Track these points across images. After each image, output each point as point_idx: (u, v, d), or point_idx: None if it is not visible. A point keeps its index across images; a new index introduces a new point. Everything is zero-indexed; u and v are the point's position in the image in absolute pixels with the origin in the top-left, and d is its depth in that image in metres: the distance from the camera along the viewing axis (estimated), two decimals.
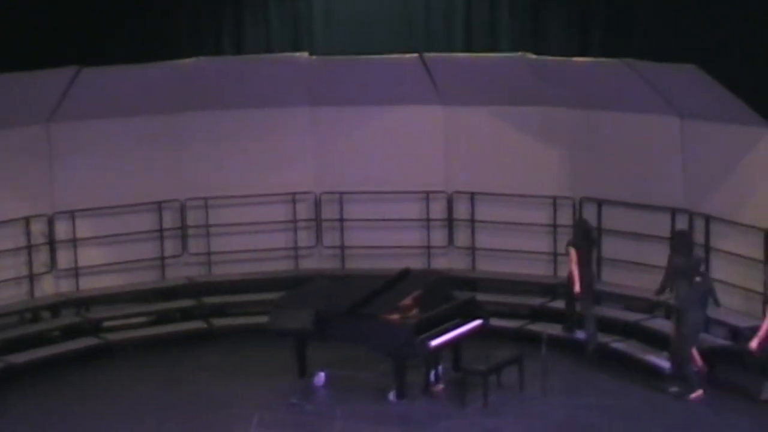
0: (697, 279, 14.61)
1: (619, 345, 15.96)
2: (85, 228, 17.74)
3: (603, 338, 16.10)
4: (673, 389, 14.72)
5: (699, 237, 16.26)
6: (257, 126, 18.55)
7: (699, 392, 14.60)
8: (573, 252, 16.22)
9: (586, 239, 16.37)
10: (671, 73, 15.72)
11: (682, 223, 16.38)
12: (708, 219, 16.10)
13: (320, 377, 15.28)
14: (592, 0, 18.75)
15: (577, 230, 16.53)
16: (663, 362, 15.12)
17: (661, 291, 15.23)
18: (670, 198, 16.53)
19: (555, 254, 17.75)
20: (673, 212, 16.49)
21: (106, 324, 17.51)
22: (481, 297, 16.88)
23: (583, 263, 16.12)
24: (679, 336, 14.64)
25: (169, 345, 17.06)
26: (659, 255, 16.03)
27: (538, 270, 17.85)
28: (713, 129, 15.93)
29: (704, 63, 15.02)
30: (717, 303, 14.88)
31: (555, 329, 16.36)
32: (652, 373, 15.12)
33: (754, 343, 14.08)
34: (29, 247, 17.36)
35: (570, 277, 16.17)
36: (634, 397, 14.73)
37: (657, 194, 16.62)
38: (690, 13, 17.26)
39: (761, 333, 14.06)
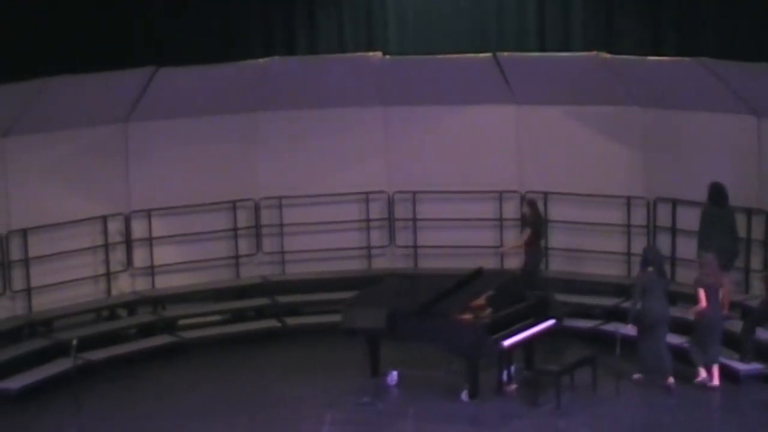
0: (649, 269, 14.89)
1: (690, 345, 15.79)
2: (161, 227, 17.93)
3: (676, 339, 15.97)
4: (636, 376, 14.94)
5: None
6: (331, 125, 18.62)
7: (671, 380, 14.73)
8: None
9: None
10: (747, 72, 15.58)
11: (758, 224, 16.23)
12: None
13: (392, 376, 15.31)
14: None
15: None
16: (737, 364, 14.96)
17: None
18: (746, 198, 16.36)
19: (629, 254, 17.64)
20: (749, 212, 16.33)
21: (182, 322, 17.69)
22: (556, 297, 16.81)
23: None
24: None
25: (243, 343, 17.18)
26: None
27: (612, 270, 17.75)
28: None
29: None
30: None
31: (628, 330, 16.22)
32: (725, 374, 14.95)
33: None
34: (106, 246, 17.59)
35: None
36: (706, 397, 14.58)
37: (733, 194, 16.43)
38: (764, 12, 17.09)
39: (695, 311, 14.72)
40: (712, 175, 16.63)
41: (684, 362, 15.01)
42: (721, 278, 15.02)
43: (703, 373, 14.74)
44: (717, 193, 16.09)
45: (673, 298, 16.39)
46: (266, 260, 18.75)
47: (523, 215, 17.48)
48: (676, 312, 15.54)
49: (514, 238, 18.27)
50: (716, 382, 14.73)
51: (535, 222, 17.20)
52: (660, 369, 14.81)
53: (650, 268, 14.96)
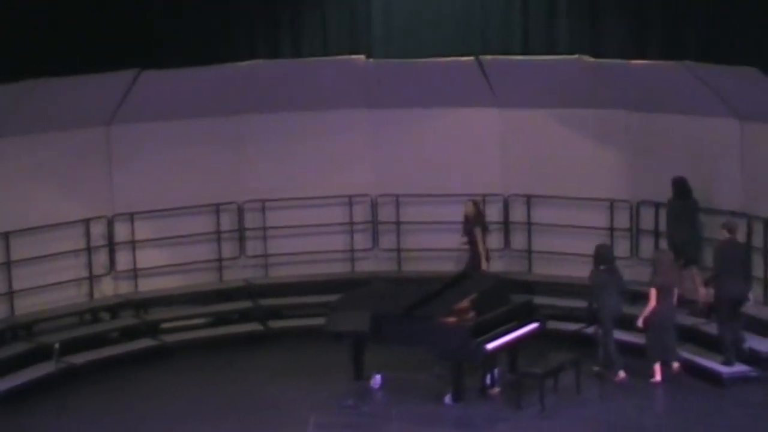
0: (601, 267, 15.18)
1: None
2: (144, 230, 17.89)
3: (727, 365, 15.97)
4: (596, 368, 15.16)
5: (758, 240, 16.12)
6: (314, 128, 18.61)
7: (622, 375, 14.98)
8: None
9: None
10: (730, 75, 15.63)
11: (740, 227, 16.25)
12: (767, 222, 15.96)
13: (376, 379, 15.29)
14: (649, 2, 18.66)
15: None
16: (720, 367, 15.00)
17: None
18: (729, 201, 16.40)
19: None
20: (732, 215, 16.35)
21: (165, 325, 17.65)
22: (537, 300, 16.81)
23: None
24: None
25: (227, 347, 17.15)
26: None
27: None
28: None
29: (764, 65, 14.90)
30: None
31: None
32: (709, 377, 15.00)
33: (639, 321, 14.93)
34: (89, 249, 17.55)
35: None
36: (691, 400, 14.62)
37: (716, 197, 16.49)
38: (748, 15, 17.13)
39: (646, 312, 14.84)
40: (696, 178, 16.68)
41: (640, 358, 15.25)
42: (674, 276, 15.22)
43: (657, 375, 15.02)
44: (681, 186, 16.43)
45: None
46: (250, 263, 18.73)
47: (466, 216, 17.49)
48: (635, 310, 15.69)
49: (497, 240, 18.33)
50: (658, 377, 14.97)
51: (481, 222, 17.40)
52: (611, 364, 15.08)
53: (602, 267, 15.18)
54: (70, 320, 17.36)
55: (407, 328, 14.68)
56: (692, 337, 15.97)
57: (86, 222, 17.49)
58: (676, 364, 15.15)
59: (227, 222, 18.56)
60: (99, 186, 17.65)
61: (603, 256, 15.32)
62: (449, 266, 17.99)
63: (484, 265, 17.40)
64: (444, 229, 18.48)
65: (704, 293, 15.79)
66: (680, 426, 13.95)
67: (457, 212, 18.44)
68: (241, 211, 18.58)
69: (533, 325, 15.36)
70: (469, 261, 17.55)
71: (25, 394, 15.08)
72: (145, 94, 17.25)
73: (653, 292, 14.92)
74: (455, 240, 18.36)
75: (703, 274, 16.06)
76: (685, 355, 15.34)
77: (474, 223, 17.46)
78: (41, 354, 15.80)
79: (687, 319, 16.34)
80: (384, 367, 15.37)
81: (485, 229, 17.64)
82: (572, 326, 16.83)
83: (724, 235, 15.20)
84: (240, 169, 18.54)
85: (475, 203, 17.64)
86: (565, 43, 19.14)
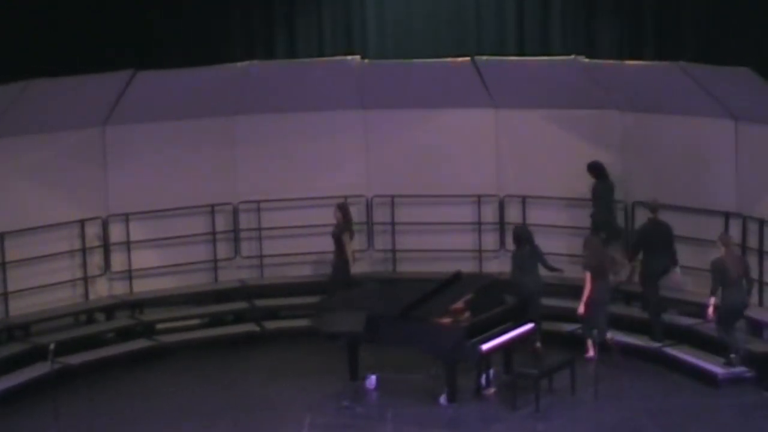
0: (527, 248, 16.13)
1: (670, 349, 15.86)
2: (139, 231, 17.88)
3: (655, 342, 16.04)
4: (538, 344, 15.87)
5: (753, 241, 16.15)
6: (310, 129, 18.61)
7: (537, 344, 15.78)
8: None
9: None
10: (725, 76, 15.65)
11: (735, 227, 16.30)
12: (762, 223, 15.99)
13: (371, 380, 15.30)
14: (644, 3, 18.70)
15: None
16: (715, 367, 15.04)
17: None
18: (724, 202, 16.42)
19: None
20: (727, 216, 16.38)
21: (160, 326, 17.63)
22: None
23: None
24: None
25: (222, 347, 17.15)
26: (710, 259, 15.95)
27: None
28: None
29: (758, 66, 14.93)
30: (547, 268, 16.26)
31: (607, 333, 16.28)
32: (703, 377, 15.03)
33: (580, 308, 15.55)
34: (84, 250, 17.54)
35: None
36: (685, 400, 14.64)
37: (710, 198, 16.52)
38: (743, 16, 17.17)
39: (584, 298, 15.50)
40: (691, 178, 16.72)
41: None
42: (606, 258, 15.94)
43: (591, 351, 15.41)
44: (598, 169, 17.28)
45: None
46: (245, 264, 18.73)
47: (338, 221, 17.28)
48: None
49: (493, 241, 18.37)
50: (591, 353, 15.37)
51: (349, 227, 17.33)
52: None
53: (526, 247, 16.02)
54: (65, 321, 17.36)
55: (402, 328, 14.69)
56: (687, 337, 16.00)
57: (81, 223, 17.48)
58: (609, 335, 15.69)
59: (222, 223, 18.55)
60: (94, 187, 17.64)
61: (524, 237, 16.16)
62: (445, 267, 17.94)
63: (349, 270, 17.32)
64: (439, 230, 18.50)
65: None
66: (675, 426, 13.97)
67: (452, 213, 18.50)
68: (236, 212, 18.58)
69: (528, 326, 15.38)
70: (336, 266, 17.31)
71: (20, 394, 15.08)
72: (140, 94, 17.24)
73: (587, 276, 15.54)
74: (451, 241, 18.41)
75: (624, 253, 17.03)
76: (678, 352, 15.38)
77: (342, 229, 17.18)
78: (37, 355, 15.80)
79: (682, 320, 16.43)
80: (379, 368, 15.39)
81: (351, 233, 17.41)
82: (568, 327, 16.85)
83: (648, 215, 16.21)
84: (235, 170, 18.54)
85: (342, 207, 17.39)
86: (560, 43, 19.20)
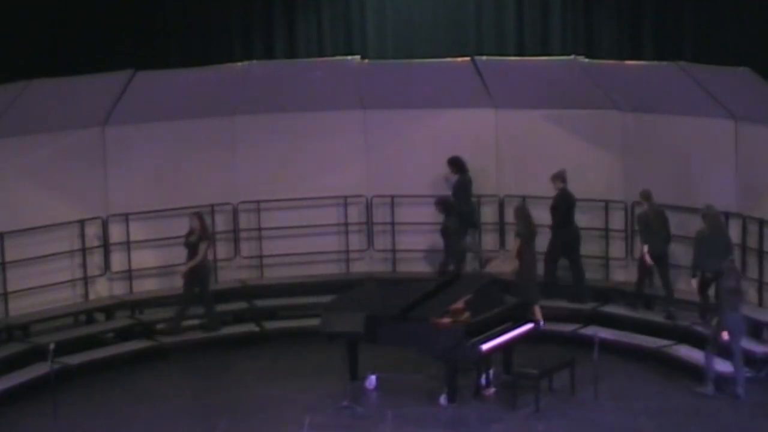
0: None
1: (669, 349, 15.86)
2: (138, 231, 17.87)
3: (654, 342, 16.02)
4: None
5: (752, 241, 16.15)
6: (309, 129, 18.60)
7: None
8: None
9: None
10: (724, 76, 15.64)
11: (735, 227, 16.30)
12: (762, 223, 15.99)
13: (371, 380, 15.30)
14: (643, 4, 18.70)
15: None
16: (721, 366, 15.03)
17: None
18: (724, 201, 16.41)
19: (607, 258, 17.71)
20: (727, 216, 16.38)
21: (160, 326, 17.61)
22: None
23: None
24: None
25: (222, 348, 17.13)
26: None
27: (589, 274, 17.76)
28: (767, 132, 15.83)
29: (758, 66, 14.93)
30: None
31: (607, 333, 16.29)
32: (702, 377, 15.02)
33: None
34: (83, 250, 17.54)
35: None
36: (685, 401, 14.63)
37: (710, 198, 16.49)
38: (742, 16, 17.17)
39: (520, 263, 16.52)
40: (690, 178, 16.72)
41: None
42: (534, 227, 16.86)
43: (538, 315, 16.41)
44: (459, 163, 18.09)
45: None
46: (244, 264, 18.72)
47: (191, 230, 17.11)
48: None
49: (492, 240, 18.36)
50: (540, 317, 16.34)
51: (207, 236, 17.23)
52: None
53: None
54: (64, 321, 17.35)
55: (401, 328, 14.68)
56: (687, 338, 16.00)
57: (81, 223, 17.47)
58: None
59: (222, 223, 18.54)
60: (94, 187, 17.64)
61: (449, 206, 17.45)
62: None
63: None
64: (439, 230, 18.47)
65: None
66: (675, 426, 13.96)
67: None
68: (235, 212, 18.57)
69: (528, 326, 15.38)
70: (189, 275, 17.08)
71: (20, 394, 15.06)
72: (139, 94, 17.23)
73: (519, 242, 16.48)
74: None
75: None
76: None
77: (201, 237, 17.01)
78: (36, 355, 15.79)
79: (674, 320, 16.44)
80: (379, 368, 15.38)
81: (210, 243, 17.38)
82: (568, 327, 16.85)
83: (558, 185, 17.27)
84: (235, 170, 18.53)
85: (198, 215, 17.23)
86: (560, 43, 19.21)
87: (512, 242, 18.36)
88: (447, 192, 18.17)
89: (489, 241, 18.50)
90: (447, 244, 17.60)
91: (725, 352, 14.69)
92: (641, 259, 16.64)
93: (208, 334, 17.24)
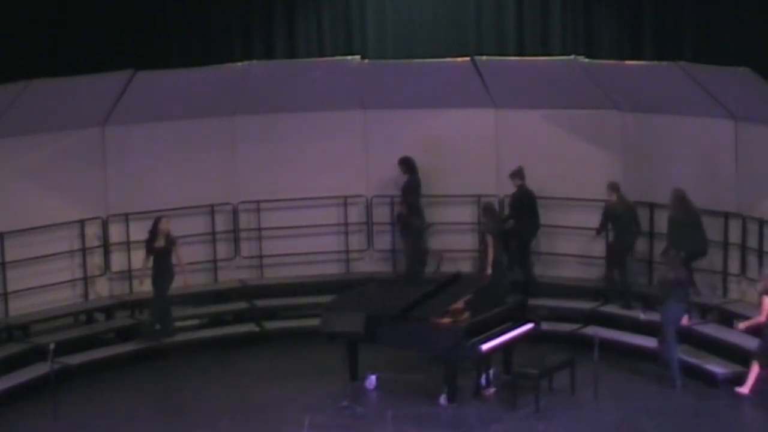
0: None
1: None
2: (138, 231, 17.83)
3: (654, 342, 16.01)
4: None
5: (752, 241, 16.15)
6: (309, 129, 18.60)
7: None
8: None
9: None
10: (724, 76, 15.64)
11: (735, 227, 16.31)
12: (762, 223, 15.99)
13: (371, 380, 15.30)
14: (643, 4, 18.68)
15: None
16: (715, 367, 15.04)
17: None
18: (724, 202, 16.42)
19: (607, 258, 17.69)
20: (727, 216, 16.39)
21: (159, 326, 17.57)
22: (533, 301, 16.79)
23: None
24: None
25: (222, 348, 17.14)
26: (711, 259, 15.95)
27: (590, 274, 17.77)
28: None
29: (758, 66, 14.93)
30: None
31: (608, 333, 16.29)
32: (703, 377, 15.03)
33: (488, 271, 16.62)
34: (83, 250, 17.54)
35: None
36: (685, 401, 14.64)
37: (710, 198, 16.51)
38: (742, 16, 17.16)
39: (490, 261, 16.63)
40: (691, 178, 16.71)
41: None
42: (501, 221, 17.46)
43: None
44: (410, 163, 18.13)
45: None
46: (244, 264, 18.72)
47: (159, 234, 16.82)
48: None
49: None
50: None
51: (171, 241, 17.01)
52: None
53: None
54: (64, 321, 17.35)
55: (401, 328, 14.68)
56: (687, 338, 15.99)
57: (81, 223, 17.47)
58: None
59: (222, 223, 18.55)
60: (93, 187, 17.64)
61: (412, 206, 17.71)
62: (444, 267, 18.00)
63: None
64: (439, 230, 18.50)
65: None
66: (674, 426, 13.97)
67: (452, 213, 18.51)
68: (235, 212, 18.57)
69: (528, 326, 15.37)
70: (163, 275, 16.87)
71: (20, 395, 15.07)
72: (139, 94, 17.23)
73: (491, 240, 16.66)
74: (451, 241, 18.40)
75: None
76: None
77: (173, 241, 16.81)
78: (36, 355, 15.80)
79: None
80: (379, 368, 15.38)
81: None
82: (568, 327, 16.86)
83: (517, 182, 17.65)
84: (235, 170, 18.53)
85: (158, 219, 16.98)
86: (560, 43, 19.20)
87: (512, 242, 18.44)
88: (445, 193, 18.16)
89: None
90: (408, 243, 17.76)
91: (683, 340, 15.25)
92: (608, 251, 17.11)
93: (160, 342, 16.91)
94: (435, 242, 18.49)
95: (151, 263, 16.82)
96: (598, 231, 17.17)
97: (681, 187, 16.24)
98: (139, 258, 17.72)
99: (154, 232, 16.78)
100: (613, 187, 16.85)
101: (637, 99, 17.21)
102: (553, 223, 17.98)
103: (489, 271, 16.66)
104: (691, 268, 16.00)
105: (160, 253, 16.72)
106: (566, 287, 17.79)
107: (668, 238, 16.27)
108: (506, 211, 17.97)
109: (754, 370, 14.56)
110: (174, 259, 16.81)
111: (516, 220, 17.71)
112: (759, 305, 14.52)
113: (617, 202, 16.83)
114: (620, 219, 16.84)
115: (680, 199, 16.23)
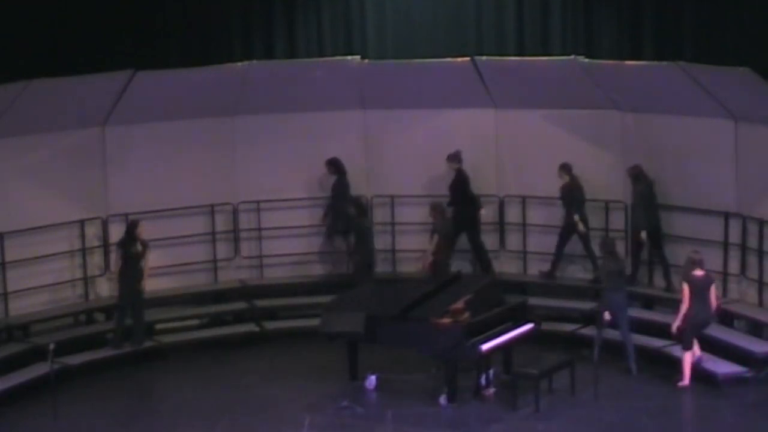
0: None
1: (669, 349, 15.86)
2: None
3: (654, 342, 16.02)
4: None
5: (752, 241, 16.15)
6: (309, 129, 18.59)
7: None
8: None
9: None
10: (724, 76, 15.64)
11: (735, 227, 16.31)
12: (762, 223, 15.99)
13: (371, 380, 15.30)
14: (643, 4, 18.68)
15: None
16: (715, 367, 15.04)
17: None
18: (723, 202, 16.42)
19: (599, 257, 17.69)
20: (727, 216, 16.39)
21: (160, 326, 17.60)
22: (531, 301, 16.79)
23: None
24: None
25: (222, 348, 17.14)
26: (711, 259, 15.95)
27: (590, 273, 17.76)
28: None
29: (758, 66, 14.93)
30: None
31: (607, 333, 16.28)
32: (703, 377, 15.03)
33: (428, 268, 16.94)
34: (84, 250, 17.54)
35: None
36: (685, 400, 14.65)
37: (710, 198, 16.51)
38: (742, 16, 17.16)
39: (432, 258, 16.90)
40: (690, 178, 16.71)
41: None
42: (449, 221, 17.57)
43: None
44: (338, 164, 18.26)
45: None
46: (244, 264, 18.72)
47: (134, 238, 16.68)
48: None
49: (492, 240, 18.35)
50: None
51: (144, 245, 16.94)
52: None
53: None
54: (65, 321, 17.34)
55: (401, 328, 14.69)
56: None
57: (81, 223, 17.47)
58: None
59: (222, 223, 18.55)
60: (94, 187, 17.63)
61: (359, 206, 17.60)
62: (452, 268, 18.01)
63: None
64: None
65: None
66: (675, 426, 13.99)
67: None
68: (235, 212, 18.57)
69: (528, 326, 15.37)
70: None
71: (20, 395, 15.07)
72: (139, 94, 17.23)
73: (437, 238, 16.92)
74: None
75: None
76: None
77: (146, 245, 16.72)
78: (36, 355, 15.81)
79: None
80: (378, 368, 15.38)
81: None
82: (568, 327, 16.86)
83: (454, 166, 17.85)
84: (235, 170, 18.53)
85: (135, 223, 16.80)
86: (560, 43, 19.20)
87: (512, 242, 18.46)
88: (444, 193, 18.15)
89: (489, 241, 18.47)
90: (356, 244, 17.75)
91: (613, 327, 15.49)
92: (576, 228, 17.40)
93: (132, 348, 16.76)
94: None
95: (120, 266, 16.63)
96: (567, 217, 17.44)
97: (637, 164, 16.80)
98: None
99: (131, 236, 16.61)
100: (566, 169, 17.20)
101: (637, 99, 17.20)
102: (553, 223, 17.96)
103: (431, 269, 16.89)
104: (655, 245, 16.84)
105: (135, 258, 16.60)
106: (566, 287, 17.78)
107: (635, 217, 16.86)
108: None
109: (686, 359, 14.84)
110: (142, 263, 16.69)
111: (456, 202, 17.97)
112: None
113: (571, 183, 17.25)
114: (577, 198, 17.28)
115: (641, 174, 16.79)
